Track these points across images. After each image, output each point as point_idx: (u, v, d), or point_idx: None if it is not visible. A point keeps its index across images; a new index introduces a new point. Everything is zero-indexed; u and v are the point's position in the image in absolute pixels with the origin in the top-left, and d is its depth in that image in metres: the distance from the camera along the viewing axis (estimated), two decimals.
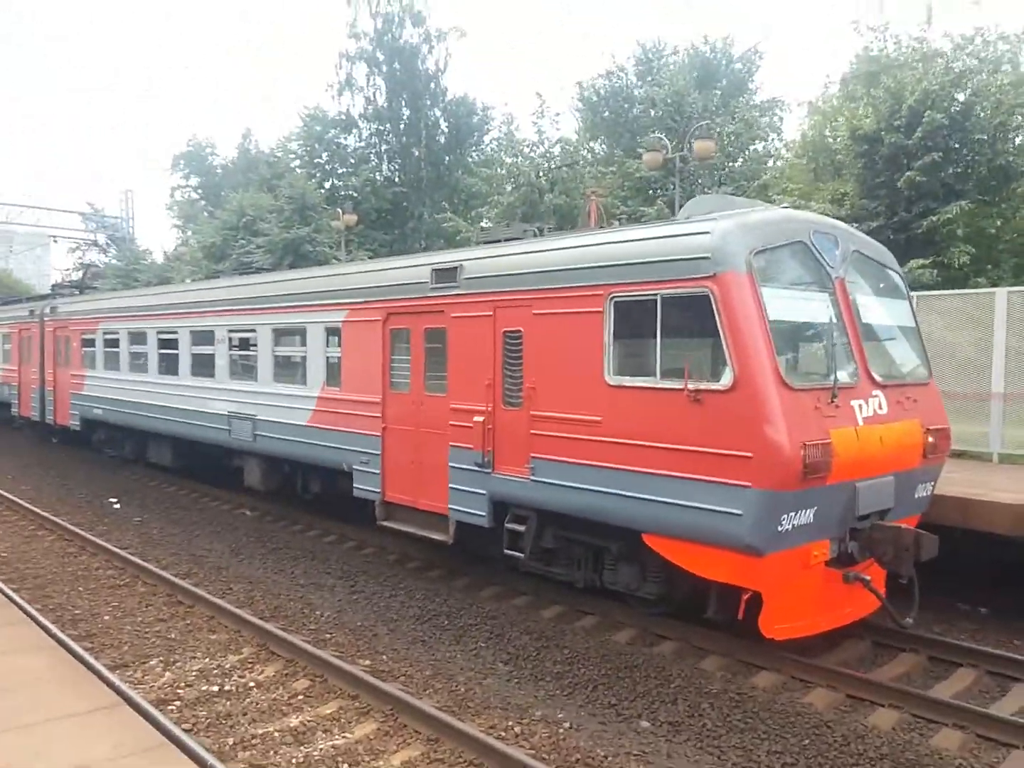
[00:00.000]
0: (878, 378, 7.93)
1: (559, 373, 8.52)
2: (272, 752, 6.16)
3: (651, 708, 7.17)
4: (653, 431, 7.59)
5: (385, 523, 10.93)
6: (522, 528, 9.09)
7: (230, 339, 14.39)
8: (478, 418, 9.35)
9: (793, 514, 7.00)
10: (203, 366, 15.12)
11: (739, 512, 6.94)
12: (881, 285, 8.72)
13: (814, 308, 7.73)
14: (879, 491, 7.70)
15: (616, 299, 7.96)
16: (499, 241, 10.36)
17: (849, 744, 6.39)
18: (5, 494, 16.31)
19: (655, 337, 7.62)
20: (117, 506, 15.93)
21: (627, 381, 7.87)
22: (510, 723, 6.65)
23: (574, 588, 9.33)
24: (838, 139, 18.41)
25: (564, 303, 8.48)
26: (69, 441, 22.22)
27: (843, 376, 7.52)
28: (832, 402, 7.26)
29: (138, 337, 17.53)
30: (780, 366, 7.02)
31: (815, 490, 7.05)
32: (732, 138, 22.88)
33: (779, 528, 6.94)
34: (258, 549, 12.58)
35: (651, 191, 20.98)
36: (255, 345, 13.66)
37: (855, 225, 16.59)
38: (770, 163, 29.49)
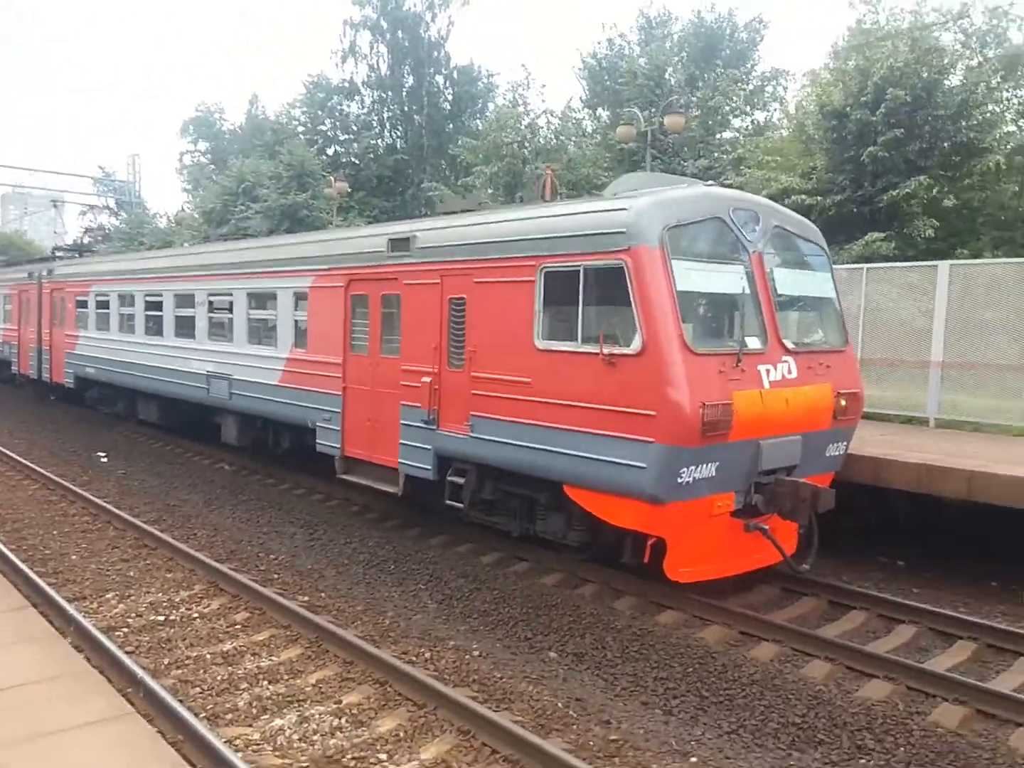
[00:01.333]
0: (790, 345, 8.43)
1: (496, 337, 9.08)
2: (202, 671, 6.85)
3: (561, 641, 7.82)
4: (574, 391, 8.16)
5: (344, 476, 11.59)
6: (462, 481, 9.71)
7: (209, 302, 14.99)
8: (426, 379, 9.93)
9: (694, 467, 7.57)
10: (185, 328, 15.76)
11: (643, 465, 7.53)
12: (801, 259, 9.20)
13: (726, 280, 8.24)
14: (784, 449, 8.24)
15: (546, 270, 8.49)
16: (454, 212, 10.87)
17: (727, 672, 7.03)
18: None
19: (578, 305, 8.17)
20: (105, 460, 16.65)
21: (553, 345, 8.43)
22: (422, 650, 7.32)
23: (513, 536, 9.97)
24: (805, 114, 18.68)
25: (502, 272, 9.01)
26: (66, 399, 22.98)
27: (751, 343, 8.05)
28: (737, 366, 7.78)
29: (126, 299, 18.17)
30: (686, 333, 7.55)
31: (716, 447, 7.61)
32: (712, 111, 23.06)
33: (679, 480, 7.51)
34: (229, 500, 13.28)
35: (632, 162, 21.35)
36: (231, 308, 14.26)
37: (820, 198, 17.06)
38: (770, 135, 29.62)
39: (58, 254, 27.56)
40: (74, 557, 9.95)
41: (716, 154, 22.24)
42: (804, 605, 8.58)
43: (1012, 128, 22.65)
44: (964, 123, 16.62)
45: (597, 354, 7.84)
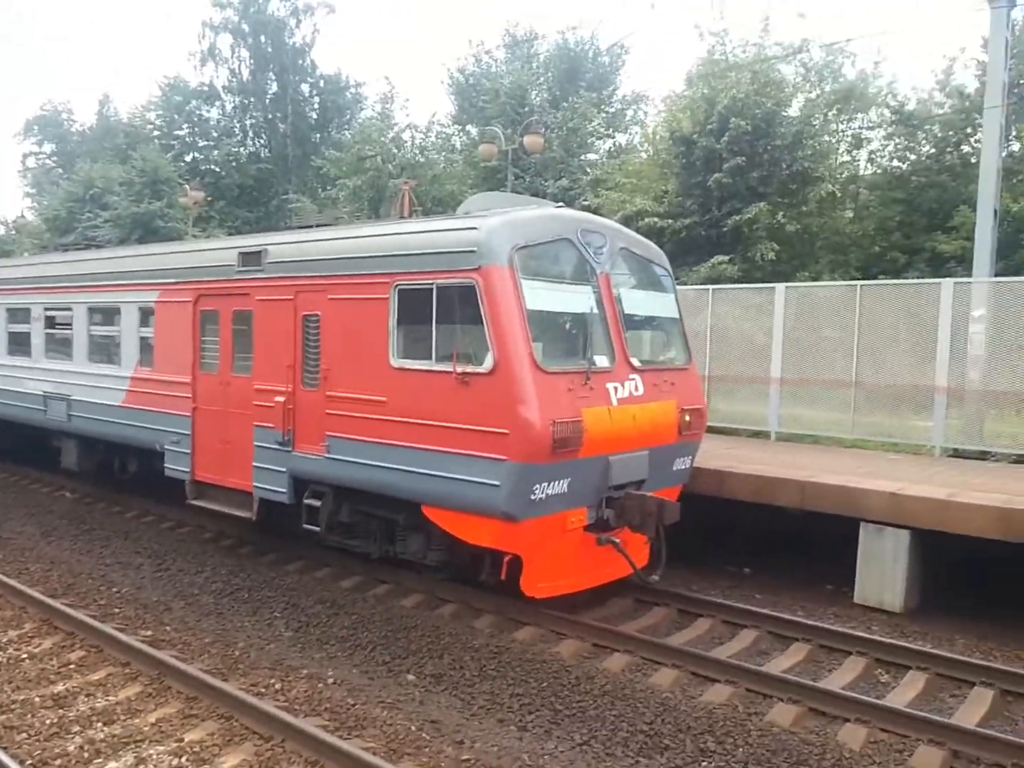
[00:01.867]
0: (636, 363, 8.79)
1: (351, 356, 8.98)
2: (29, 715, 6.38)
3: (420, 663, 7.79)
4: (429, 410, 8.17)
5: (195, 502, 11.10)
6: (319, 503, 9.52)
7: (47, 317, 14.06)
8: (279, 398, 9.69)
9: (546, 484, 7.74)
10: (18, 344, 14.70)
11: (497, 483, 7.63)
12: (647, 280, 9.62)
13: (575, 300, 8.50)
14: (632, 464, 8.57)
15: (400, 287, 8.48)
16: (310, 227, 10.69)
17: (580, 684, 7.21)
18: None
19: (432, 323, 8.20)
20: None
21: (408, 364, 8.42)
22: (273, 680, 7.11)
23: (373, 559, 9.85)
24: (659, 139, 19.66)
25: (356, 289, 8.93)
26: None
27: (600, 361, 8.33)
28: (586, 384, 8.04)
29: None
30: (536, 352, 7.72)
31: (567, 463, 7.82)
32: (572, 132, 23.82)
33: (532, 497, 7.66)
34: (70, 530, 12.45)
35: (496, 180, 21.71)
36: (71, 324, 13.42)
37: (672, 221, 17.92)
38: (630, 157, 30.83)
39: None
40: None
41: (576, 175, 22.92)
42: (655, 615, 8.92)
43: (846, 158, 24.64)
44: (800, 152, 17.91)
45: (451, 372, 7.90)
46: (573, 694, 7.06)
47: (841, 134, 24.30)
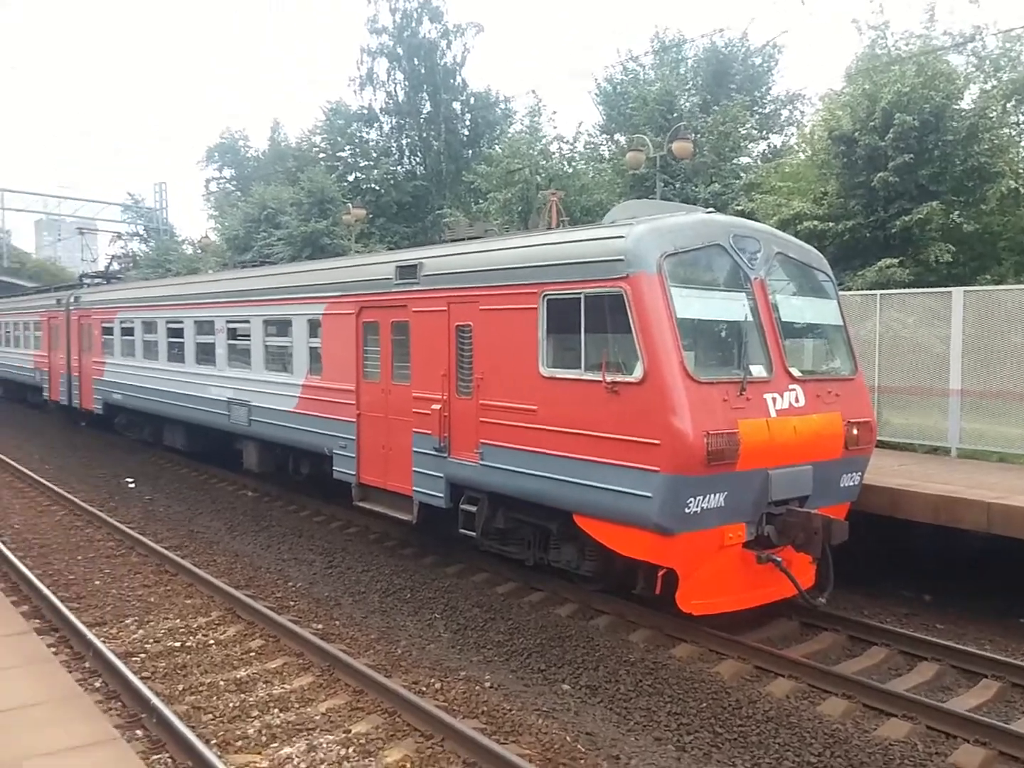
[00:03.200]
0: (796, 373, 8.45)
1: (502, 365, 9.18)
2: (215, 697, 6.98)
3: (575, 674, 7.84)
4: (579, 419, 8.23)
5: (360, 504, 11.71)
6: (474, 509, 9.79)
7: (229, 329, 15.27)
8: (436, 406, 10.06)
9: (701, 497, 7.59)
10: (206, 354, 16.05)
11: (649, 494, 7.56)
12: (807, 285, 9.23)
13: (728, 307, 8.30)
14: (794, 479, 8.23)
15: (549, 297, 8.60)
16: (462, 240, 11.05)
17: (742, 707, 6.98)
18: (28, 472, 17.44)
19: (580, 333, 8.26)
20: (132, 485, 16.95)
21: (558, 373, 8.51)
22: (433, 680, 7.39)
23: (528, 566, 10.00)
24: (817, 139, 18.69)
25: (506, 300, 9.14)
26: (96, 425, 23.38)
27: (756, 371, 8.08)
28: (742, 395, 7.82)
29: (150, 326, 18.54)
30: (687, 361, 7.60)
31: (723, 476, 7.63)
32: (724, 137, 23.12)
33: (687, 510, 7.53)
34: (251, 527, 13.46)
35: (644, 188, 21.47)
36: (249, 335, 14.52)
37: (832, 224, 17.04)
38: (787, 159, 29.69)
39: (86, 281, 28.12)
40: (97, 582, 10.15)
41: (728, 180, 22.27)
42: (822, 640, 8.50)
43: None
44: (976, 147, 16.50)
45: (600, 381, 7.91)
46: (734, 717, 6.86)
47: (1022, 126, 22.27)
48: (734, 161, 22.87)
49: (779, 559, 8.08)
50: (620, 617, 9.04)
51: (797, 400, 8.33)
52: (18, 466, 18.00)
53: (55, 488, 15.66)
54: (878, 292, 13.26)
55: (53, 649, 7.46)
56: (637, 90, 27.47)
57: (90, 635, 7.79)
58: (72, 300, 23.52)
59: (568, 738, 6.45)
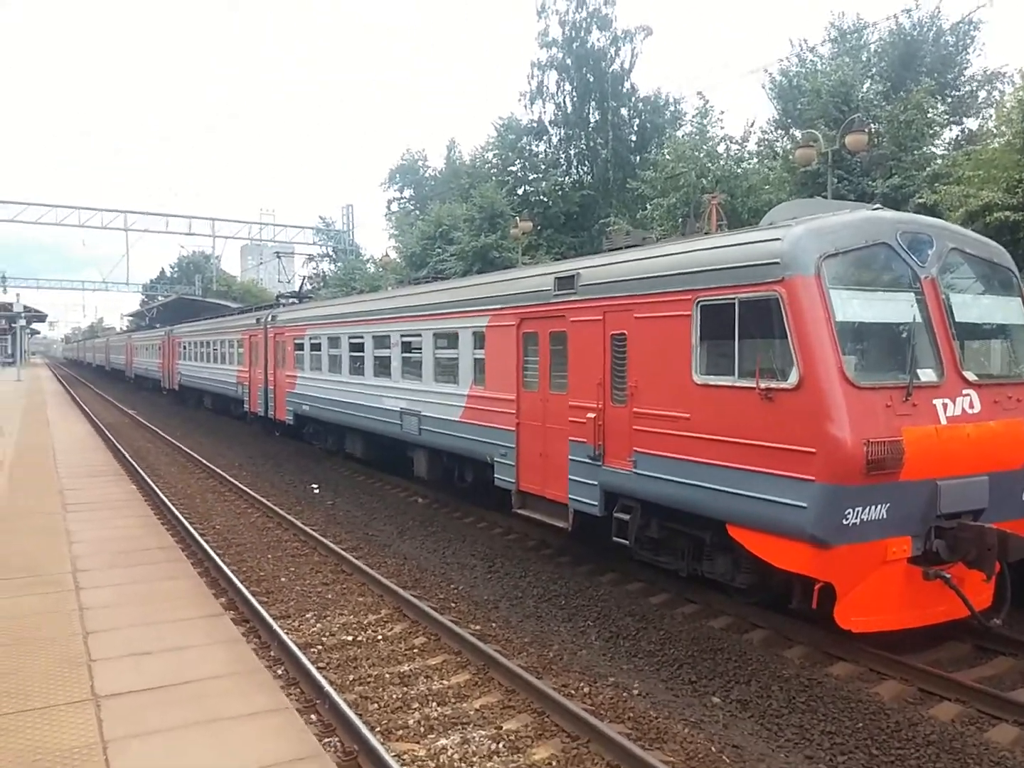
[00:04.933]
0: (971, 377, 7.87)
1: (656, 373, 9.20)
2: (381, 689, 7.49)
3: (726, 687, 7.73)
4: (732, 427, 8.10)
5: (520, 511, 12.07)
6: (627, 517, 9.84)
7: (403, 343, 16.21)
8: (591, 414, 10.22)
9: (860, 508, 7.25)
10: (382, 367, 17.12)
11: (804, 504, 7.33)
12: (986, 283, 8.57)
13: (894, 308, 7.86)
14: (967, 491, 7.67)
15: (702, 303, 8.53)
16: (619, 249, 11.15)
17: (901, 730, 6.63)
18: (230, 479, 19.30)
19: (734, 338, 8.13)
20: (317, 491, 18.36)
21: (711, 380, 8.43)
22: (582, 684, 7.53)
23: (682, 577, 9.92)
24: (1013, 121, 16.90)
25: (659, 307, 9.15)
26: (288, 434, 25.49)
27: (925, 375, 7.61)
28: (907, 400, 7.39)
29: (334, 342, 20.02)
30: (846, 365, 7.30)
31: (885, 486, 7.26)
32: (906, 126, 21.47)
33: (844, 521, 7.22)
34: (420, 531, 14.20)
35: (816, 185, 20.41)
36: (421, 348, 15.35)
37: None
38: (984, 145, 27.28)
39: (281, 301, 30.71)
40: (283, 579, 11.14)
41: (910, 171, 20.73)
42: (998, 665, 7.88)
43: None
44: None
45: (754, 388, 7.76)
46: (892, 740, 6.53)
47: None
48: (916, 152, 21.26)
49: (948, 576, 7.53)
50: (776, 632, 8.79)
51: (972, 406, 7.78)
52: (222, 472, 19.96)
53: (251, 492, 17.24)
54: None
55: (242, 631, 8.31)
56: (810, 83, 26.25)
57: (276, 626, 8.59)
58: (269, 319, 25.80)
59: (713, 748, 6.38)
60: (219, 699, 5.63)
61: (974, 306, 8.40)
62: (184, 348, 39.37)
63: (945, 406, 7.61)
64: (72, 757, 4.97)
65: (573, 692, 7.35)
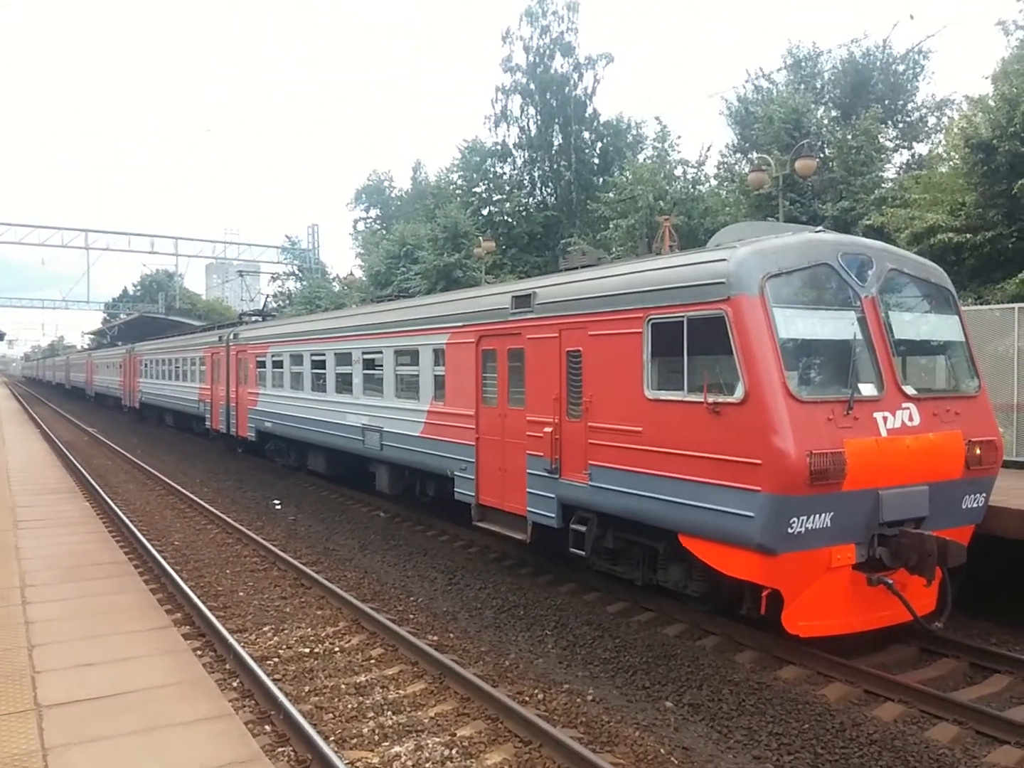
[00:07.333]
0: (911, 391, 8.22)
1: (610, 388, 9.44)
2: (336, 699, 7.55)
3: (679, 691, 7.90)
4: (682, 440, 8.35)
5: (479, 523, 12.20)
6: (584, 529, 10.03)
7: (364, 360, 16.31)
8: (547, 429, 10.41)
9: (805, 517, 7.52)
10: (344, 384, 17.19)
11: (751, 514, 7.58)
12: (924, 301, 8.95)
13: (835, 326, 8.19)
14: (908, 500, 7.98)
15: (653, 321, 8.80)
16: (575, 268, 11.42)
17: (845, 730, 6.86)
18: (190, 495, 19.15)
19: (683, 355, 8.40)
20: (278, 506, 18.28)
21: (662, 395, 8.68)
22: (536, 691, 7.67)
23: (639, 586, 10.12)
24: (954, 147, 17.66)
25: (612, 325, 9.40)
26: (250, 451, 25.32)
27: (866, 389, 7.93)
28: (848, 414, 7.70)
29: (296, 359, 20.02)
30: (790, 381, 7.59)
31: (828, 496, 7.53)
32: (856, 151, 22.24)
33: (789, 530, 7.48)
34: (381, 545, 14.24)
35: (769, 207, 21.02)
36: (382, 365, 15.46)
37: (970, 236, 16.11)
38: (931, 170, 28.23)
39: (244, 319, 30.59)
40: (241, 593, 11.12)
41: (859, 195, 21.45)
42: (941, 667, 8.17)
43: None
44: None
45: (702, 403, 8.02)
46: (836, 739, 6.75)
47: None
48: (866, 175, 22.00)
49: (891, 581, 7.84)
50: (728, 638, 9.01)
51: (911, 419, 8.10)
52: (182, 489, 19.78)
53: (211, 509, 17.12)
54: (1016, 305, 12.49)
55: (193, 645, 8.31)
56: (763, 110, 27.04)
57: (231, 639, 8.60)
58: (231, 337, 25.69)
59: (663, 750, 6.55)
60: (162, 706, 5.68)
61: (913, 324, 8.77)
62: (145, 366, 38.94)
63: (885, 419, 7.93)
64: (12, 764, 5.00)
65: (527, 699, 7.49)
